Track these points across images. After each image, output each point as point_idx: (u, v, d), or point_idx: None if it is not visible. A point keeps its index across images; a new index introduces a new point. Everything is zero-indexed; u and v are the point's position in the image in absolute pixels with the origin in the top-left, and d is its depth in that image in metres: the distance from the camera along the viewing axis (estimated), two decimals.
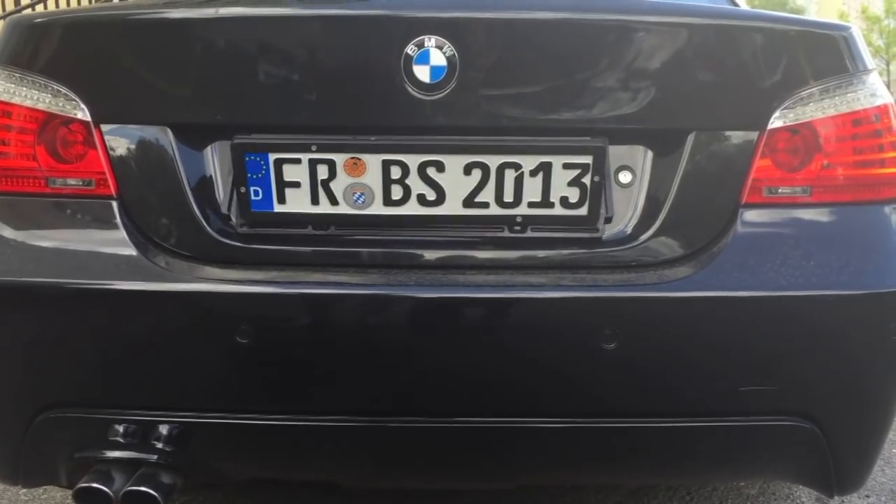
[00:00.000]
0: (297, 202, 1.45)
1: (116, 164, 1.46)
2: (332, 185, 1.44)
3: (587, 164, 1.42)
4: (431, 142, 1.44)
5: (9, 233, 1.46)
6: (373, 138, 1.42)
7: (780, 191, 1.47)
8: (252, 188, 1.44)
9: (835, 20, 1.79)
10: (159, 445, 1.45)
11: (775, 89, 1.45)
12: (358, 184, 1.44)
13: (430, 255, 1.46)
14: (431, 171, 1.43)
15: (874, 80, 1.50)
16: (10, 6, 6.54)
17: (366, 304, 1.42)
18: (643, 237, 1.46)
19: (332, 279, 1.43)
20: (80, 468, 1.48)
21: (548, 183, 1.43)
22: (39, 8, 6.45)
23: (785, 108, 1.45)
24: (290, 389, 1.47)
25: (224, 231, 1.47)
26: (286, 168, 1.43)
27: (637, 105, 1.44)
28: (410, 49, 1.40)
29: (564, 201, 1.44)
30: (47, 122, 1.47)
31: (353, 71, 1.44)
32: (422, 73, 1.40)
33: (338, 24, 1.44)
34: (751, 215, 1.46)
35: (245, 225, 1.47)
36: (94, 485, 1.42)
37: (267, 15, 1.45)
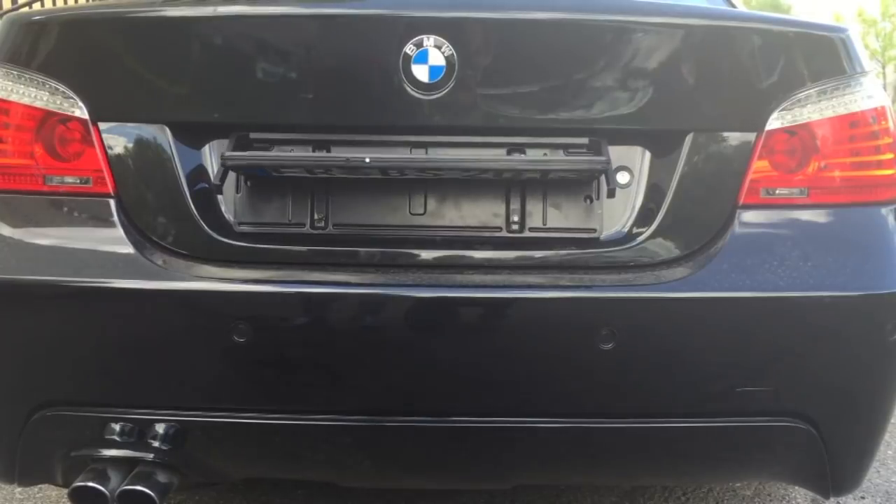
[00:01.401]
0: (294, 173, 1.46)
1: (114, 162, 1.46)
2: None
3: None
4: (429, 141, 1.44)
5: (6, 231, 1.46)
6: (368, 151, 1.41)
7: (777, 192, 1.47)
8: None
9: (832, 22, 1.79)
10: (155, 444, 1.45)
11: (773, 91, 1.46)
12: None
13: (428, 254, 1.46)
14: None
15: (871, 82, 1.51)
16: (6, 4, 6.52)
17: (363, 304, 1.42)
18: (641, 238, 1.46)
19: (330, 278, 1.42)
20: (76, 467, 1.48)
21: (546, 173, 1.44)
22: (37, 6, 6.43)
23: (783, 110, 1.46)
24: (286, 389, 1.47)
25: (221, 229, 1.46)
26: None
27: (635, 106, 1.45)
28: (409, 49, 1.40)
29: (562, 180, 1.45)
30: (45, 120, 1.46)
31: (352, 70, 1.44)
32: (420, 72, 1.40)
33: (336, 24, 1.44)
34: (748, 216, 1.46)
35: (244, 223, 1.47)
36: (90, 483, 1.42)
37: (265, 14, 1.45)
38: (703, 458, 1.57)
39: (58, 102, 1.46)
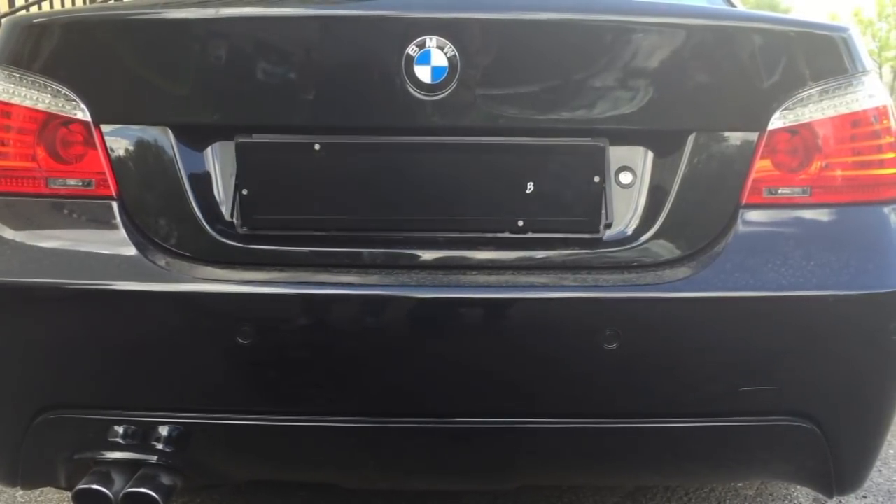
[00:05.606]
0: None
1: (116, 164, 1.46)
2: None
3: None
4: (431, 142, 1.44)
5: (8, 233, 1.46)
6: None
7: (779, 191, 1.47)
8: None
9: (834, 21, 1.80)
10: (159, 446, 1.45)
11: (775, 90, 1.46)
12: None
13: (431, 255, 1.46)
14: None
15: (873, 81, 1.51)
16: (3, 7, 6.51)
17: (366, 305, 1.42)
18: (644, 238, 1.46)
19: (333, 279, 1.42)
20: (80, 469, 1.48)
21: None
22: (35, 9, 6.42)
23: (785, 109, 1.46)
24: (290, 390, 1.46)
25: (224, 231, 1.46)
26: None
27: (637, 106, 1.45)
28: (412, 49, 1.40)
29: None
30: (47, 123, 1.46)
31: (354, 71, 1.44)
32: (423, 73, 1.40)
33: (339, 25, 1.44)
34: (751, 216, 1.46)
35: (246, 225, 1.47)
36: (94, 486, 1.42)
37: (268, 15, 1.45)
38: (707, 458, 1.57)
39: (60, 105, 1.46)
